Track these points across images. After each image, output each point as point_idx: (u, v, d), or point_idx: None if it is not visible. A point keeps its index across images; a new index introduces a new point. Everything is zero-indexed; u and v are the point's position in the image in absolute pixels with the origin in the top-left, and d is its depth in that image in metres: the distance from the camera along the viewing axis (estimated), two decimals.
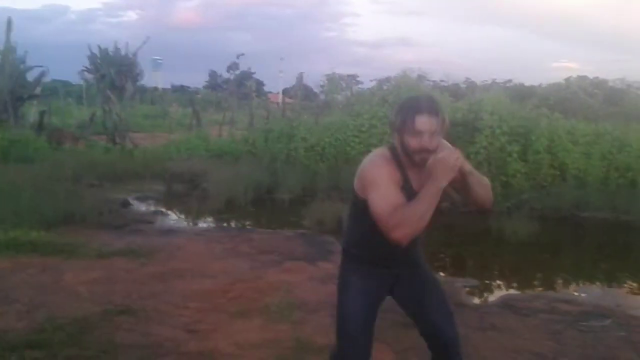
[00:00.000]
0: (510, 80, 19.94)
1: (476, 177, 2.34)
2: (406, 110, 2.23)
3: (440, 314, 2.49)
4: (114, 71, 27.14)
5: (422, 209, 2.10)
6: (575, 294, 5.63)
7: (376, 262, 2.46)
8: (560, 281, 6.29)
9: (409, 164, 2.28)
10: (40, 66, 19.58)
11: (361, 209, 2.31)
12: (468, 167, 2.29)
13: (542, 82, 17.99)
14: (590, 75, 18.78)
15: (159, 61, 66.76)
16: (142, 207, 9.06)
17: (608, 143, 10.31)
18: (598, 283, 6.18)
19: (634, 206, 8.99)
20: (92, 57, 30.57)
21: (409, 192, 2.23)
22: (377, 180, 2.22)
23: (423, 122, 2.17)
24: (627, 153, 10.15)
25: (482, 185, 2.38)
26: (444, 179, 2.12)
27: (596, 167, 10.02)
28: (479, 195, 2.37)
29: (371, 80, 16.85)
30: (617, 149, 10.27)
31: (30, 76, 19.30)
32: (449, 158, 2.13)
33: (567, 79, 17.42)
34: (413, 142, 2.20)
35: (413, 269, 2.53)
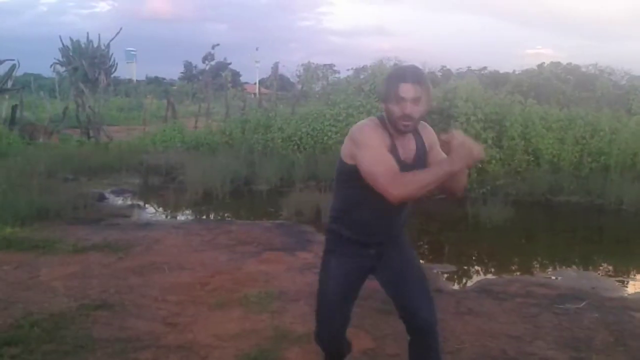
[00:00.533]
0: (485, 68, 20.15)
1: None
2: (391, 79, 2.32)
3: (419, 298, 2.53)
4: (86, 63, 26.67)
5: (428, 180, 2.17)
6: (552, 277, 5.71)
7: (357, 239, 2.49)
8: (536, 265, 6.39)
9: (395, 133, 2.36)
10: (11, 59, 19.19)
11: (347, 175, 2.40)
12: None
13: (517, 68, 18.15)
14: (564, 61, 19.05)
15: (133, 52, 65.97)
16: (118, 201, 8.98)
17: (581, 128, 10.45)
18: (573, 266, 6.27)
19: (607, 190, 9.15)
20: (64, 50, 30.01)
21: (397, 160, 2.29)
22: (370, 142, 2.29)
23: (406, 89, 2.25)
24: (600, 138, 10.30)
25: (464, 175, 2.44)
26: (460, 163, 2.17)
27: (569, 152, 10.16)
28: (459, 182, 2.43)
29: (348, 70, 16.86)
30: (589, 133, 10.41)
31: (1, 70, 18.93)
32: (475, 148, 2.18)
33: (540, 65, 17.64)
34: (397, 109, 2.27)
35: (396, 249, 2.57)
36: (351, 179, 2.37)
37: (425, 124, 2.53)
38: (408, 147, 2.41)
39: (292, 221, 7.57)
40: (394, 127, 2.34)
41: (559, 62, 18.80)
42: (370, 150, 2.27)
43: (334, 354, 2.80)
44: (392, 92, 2.28)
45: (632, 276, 6.04)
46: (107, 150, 12.60)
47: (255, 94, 26.82)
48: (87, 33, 30.57)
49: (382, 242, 2.54)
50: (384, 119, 2.39)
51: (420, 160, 2.40)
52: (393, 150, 2.33)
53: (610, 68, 17.42)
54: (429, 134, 2.50)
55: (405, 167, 2.29)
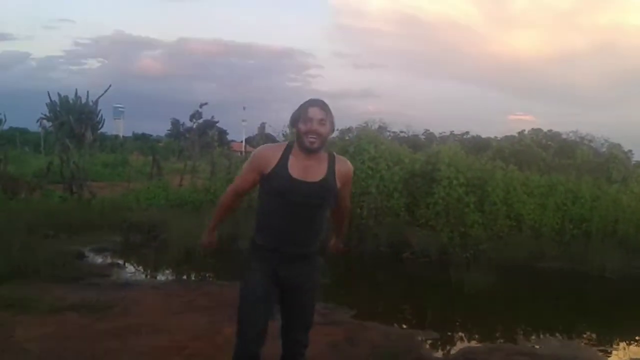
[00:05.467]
0: (467, 133, 20.54)
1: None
2: (303, 105, 2.85)
3: (299, 322, 3.07)
4: (73, 119, 26.74)
5: (217, 207, 3.20)
6: (535, 346, 5.67)
7: (267, 245, 2.90)
8: (519, 332, 6.34)
9: (303, 154, 2.84)
10: None
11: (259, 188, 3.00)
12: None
13: (498, 134, 18.58)
14: (545, 128, 19.49)
15: (121, 109, 66.53)
16: (98, 259, 8.83)
17: (562, 194, 10.59)
18: (556, 334, 6.24)
19: (589, 257, 9.21)
20: (51, 105, 30.14)
21: (284, 176, 2.80)
22: (249, 159, 2.99)
23: (314, 111, 2.80)
24: (581, 204, 10.44)
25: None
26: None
27: (551, 218, 10.26)
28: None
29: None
30: (570, 200, 10.55)
31: None
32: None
33: (521, 132, 18.00)
34: (304, 127, 2.80)
35: (302, 270, 2.95)
36: (260, 191, 2.96)
37: (348, 164, 3.04)
38: (314, 168, 2.85)
39: None
40: (301, 145, 2.82)
41: (539, 129, 19.22)
42: (246, 165, 2.99)
43: None
44: (302, 114, 2.81)
45: (615, 346, 6.01)
46: (90, 206, 12.49)
47: (241, 152, 27.00)
48: (76, 89, 30.79)
49: (289, 249, 2.88)
50: (291, 143, 2.92)
51: (323, 187, 2.85)
52: (282, 165, 2.82)
53: (591, 135, 17.81)
54: (344, 172, 2.98)
55: (295, 182, 2.78)
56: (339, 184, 2.93)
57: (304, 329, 3.08)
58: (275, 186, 2.81)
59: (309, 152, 2.81)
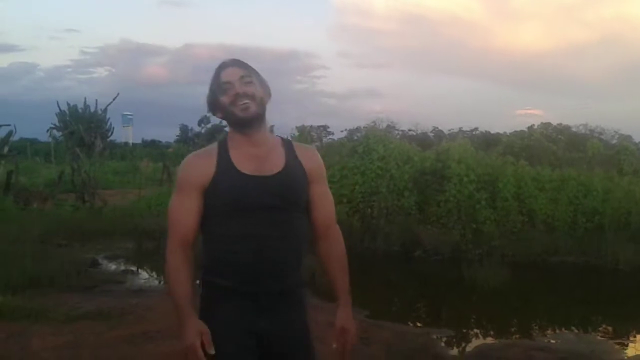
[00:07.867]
0: (476, 129, 20.56)
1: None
2: (213, 76, 2.06)
3: None
4: (83, 128, 26.89)
5: (171, 288, 1.95)
6: (552, 341, 5.64)
7: (236, 287, 1.98)
8: (535, 328, 6.32)
9: (238, 139, 2.04)
10: (7, 125, 19.34)
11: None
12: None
13: (507, 129, 18.65)
14: (554, 122, 19.46)
15: (130, 116, 66.64)
16: (111, 267, 8.87)
17: (574, 188, 10.53)
18: (572, 328, 6.21)
19: (602, 250, 9.15)
20: (60, 114, 30.31)
21: (231, 176, 1.96)
22: (179, 183, 2.05)
23: (228, 72, 2.01)
24: (593, 197, 10.37)
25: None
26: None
27: (563, 212, 10.20)
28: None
29: (342, 131, 17.21)
30: (582, 193, 10.48)
31: None
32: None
33: (530, 127, 17.98)
34: (226, 97, 1.99)
35: (286, 321, 2.02)
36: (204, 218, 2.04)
37: (312, 148, 2.25)
38: (269, 156, 2.02)
39: None
40: (235, 119, 2.01)
41: (549, 123, 19.22)
42: (176, 197, 2.03)
43: None
44: (218, 86, 2.02)
45: (631, 338, 5.97)
46: (101, 215, 12.56)
47: None
48: (85, 98, 30.88)
49: (265, 284, 1.98)
50: (222, 140, 2.10)
51: (289, 177, 2.01)
52: (224, 164, 1.99)
53: (601, 128, 17.84)
54: (310, 155, 2.12)
55: (248, 180, 1.96)
56: (307, 175, 2.06)
57: None
58: (223, 195, 1.96)
59: (248, 123, 1.99)
